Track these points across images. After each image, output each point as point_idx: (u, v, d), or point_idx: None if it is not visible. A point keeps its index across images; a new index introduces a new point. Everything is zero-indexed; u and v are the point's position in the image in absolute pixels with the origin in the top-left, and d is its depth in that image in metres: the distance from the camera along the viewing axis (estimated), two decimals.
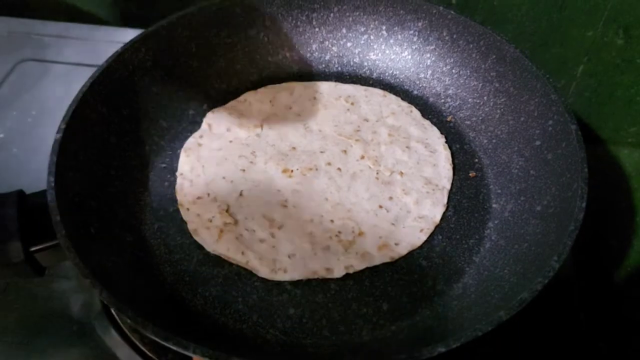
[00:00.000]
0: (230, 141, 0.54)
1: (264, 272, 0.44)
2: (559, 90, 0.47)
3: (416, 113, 0.56)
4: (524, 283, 0.37)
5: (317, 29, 0.60)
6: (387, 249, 0.46)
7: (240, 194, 0.49)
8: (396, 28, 0.59)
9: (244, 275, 0.45)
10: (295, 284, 0.44)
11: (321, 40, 0.61)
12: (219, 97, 0.58)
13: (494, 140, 0.53)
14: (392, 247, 0.46)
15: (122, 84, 0.52)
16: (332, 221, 0.48)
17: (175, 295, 0.43)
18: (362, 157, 0.52)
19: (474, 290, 0.42)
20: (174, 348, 0.33)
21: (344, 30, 0.60)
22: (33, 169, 0.51)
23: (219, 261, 0.45)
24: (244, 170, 0.51)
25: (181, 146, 0.54)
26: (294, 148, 0.53)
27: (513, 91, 0.52)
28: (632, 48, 0.62)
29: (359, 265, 0.45)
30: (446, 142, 0.54)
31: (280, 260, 0.45)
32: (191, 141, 0.54)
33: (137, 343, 0.44)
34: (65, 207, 0.40)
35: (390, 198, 0.49)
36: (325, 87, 0.58)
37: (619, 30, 0.61)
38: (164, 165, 0.52)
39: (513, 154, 0.50)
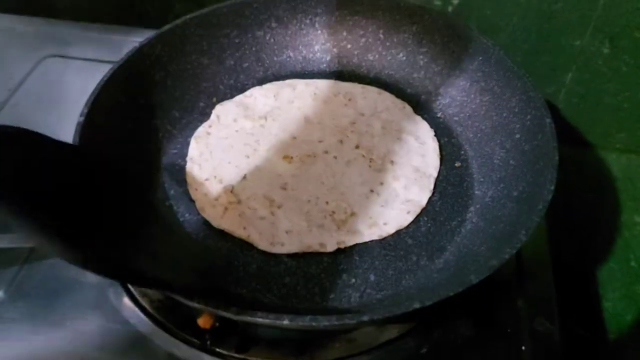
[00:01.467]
0: (236, 131, 0.58)
1: (263, 245, 0.49)
2: (537, 88, 0.51)
3: (408, 109, 0.60)
4: (496, 256, 0.40)
5: (319, 32, 0.65)
6: (376, 227, 0.50)
7: (244, 177, 0.54)
8: (392, 32, 0.63)
9: (245, 247, 0.49)
10: (292, 256, 0.48)
11: (323, 42, 0.65)
12: (227, 91, 0.62)
13: (478, 134, 0.56)
14: (380, 226, 0.50)
15: (139, 76, 0.56)
16: (327, 203, 0.52)
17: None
18: (357, 147, 0.56)
19: (453, 264, 0.46)
20: (179, 298, 0.37)
21: (344, 33, 0.64)
22: None
23: (223, 235, 0.50)
24: (248, 156, 0.56)
25: (191, 134, 0.58)
26: (294, 138, 0.57)
27: (497, 90, 0.55)
28: (617, 57, 0.65)
29: (349, 241, 0.49)
30: (435, 135, 0.58)
31: (278, 235, 0.49)
32: (201, 130, 0.58)
33: (147, 307, 0.48)
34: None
35: (381, 183, 0.53)
36: (325, 84, 0.63)
37: (605, 40, 0.64)
38: (175, 151, 0.57)
39: (495, 146, 0.54)
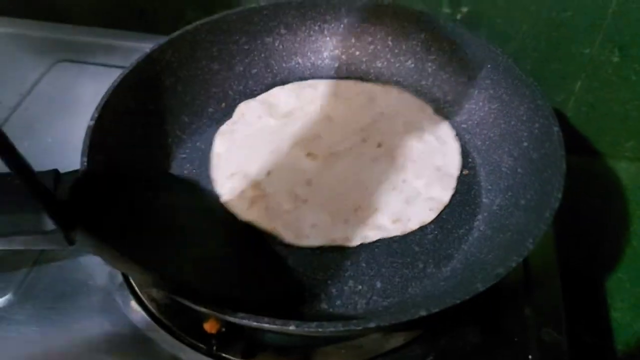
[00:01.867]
0: (261, 128, 0.59)
1: (288, 237, 0.50)
2: (546, 96, 0.51)
3: (429, 110, 0.61)
4: (503, 264, 0.40)
5: (328, 39, 0.65)
6: (400, 223, 0.51)
7: (268, 173, 0.55)
8: (400, 39, 0.63)
9: (252, 252, 0.49)
10: (297, 262, 0.48)
11: (331, 48, 0.65)
12: (236, 97, 0.62)
13: (487, 142, 0.56)
14: (404, 222, 0.51)
15: (149, 81, 0.57)
16: (350, 199, 0.53)
17: None
18: (379, 146, 0.57)
19: (460, 272, 0.46)
20: (186, 303, 0.37)
21: (352, 40, 0.65)
22: (66, 155, 0.55)
23: (229, 241, 0.50)
24: (272, 153, 0.56)
25: (200, 139, 0.59)
26: (317, 136, 0.58)
27: (505, 97, 0.55)
28: (627, 66, 0.65)
29: (374, 236, 0.50)
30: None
31: (303, 229, 0.50)
32: (225, 127, 0.60)
33: (154, 311, 0.48)
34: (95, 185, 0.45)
35: (404, 181, 0.54)
36: (346, 85, 0.63)
37: (615, 49, 0.64)
38: (184, 155, 0.57)
39: (503, 154, 0.54)
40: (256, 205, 0.52)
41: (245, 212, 0.51)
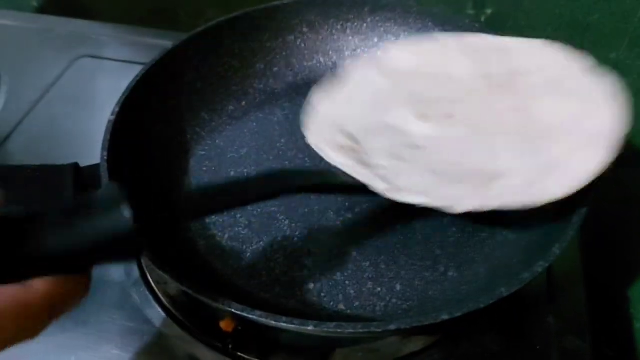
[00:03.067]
0: (367, 86, 0.51)
1: (381, 186, 0.42)
2: None
3: (578, 65, 0.48)
4: (528, 269, 0.39)
5: (350, 38, 0.64)
6: (525, 195, 0.41)
7: (367, 131, 0.47)
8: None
9: (269, 251, 0.48)
10: (315, 262, 0.48)
11: (354, 48, 0.64)
12: (257, 95, 0.62)
13: None
14: (529, 194, 0.41)
15: (170, 77, 0.56)
16: (465, 166, 0.44)
17: (207, 264, 0.47)
18: (510, 111, 0.47)
19: (483, 277, 0.45)
20: (205, 300, 0.37)
21: (375, 40, 0.64)
22: (85, 151, 0.55)
23: (246, 239, 0.49)
24: (375, 110, 0.49)
25: (220, 137, 0.58)
26: (432, 95, 0.50)
27: None
28: None
29: (489, 205, 0.41)
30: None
31: (398, 182, 0.42)
32: (327, 81, 0.52)
33: (170, 308, 0.47)
34: (115, 179, 0.45)
35: (537, 151, 0.44)
36: (474, 40, 0.53)
37: None
38: (203, 152, 0.57)
39: None
40: (346, 152, 0.44)
41: (335, 156, 0.44)
